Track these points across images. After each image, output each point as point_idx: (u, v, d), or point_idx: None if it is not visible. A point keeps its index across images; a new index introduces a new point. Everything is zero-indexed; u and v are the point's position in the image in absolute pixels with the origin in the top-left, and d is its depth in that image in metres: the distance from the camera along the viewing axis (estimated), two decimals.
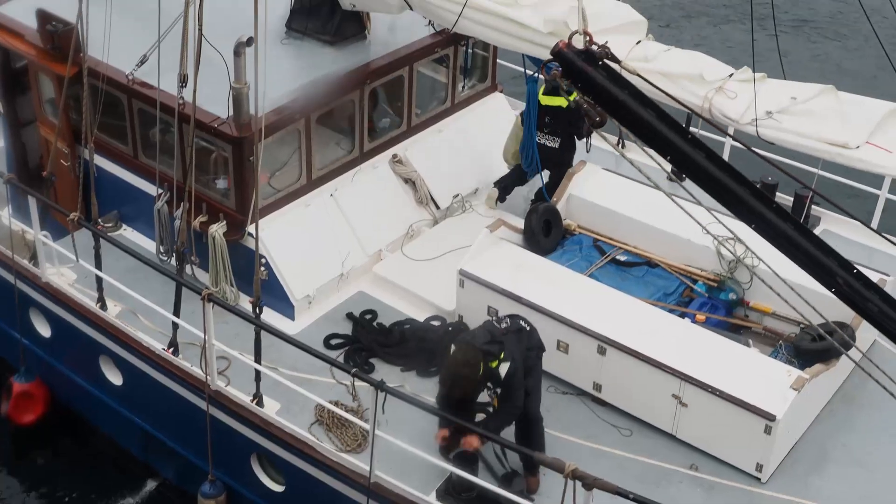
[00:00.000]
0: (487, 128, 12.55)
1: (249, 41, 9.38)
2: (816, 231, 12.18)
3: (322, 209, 10.97)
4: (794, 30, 21.87)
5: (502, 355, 8.43)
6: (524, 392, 8.63)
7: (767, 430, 8.61)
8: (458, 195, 12.04)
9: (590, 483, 7.38)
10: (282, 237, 10.57)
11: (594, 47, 5.14)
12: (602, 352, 9.34)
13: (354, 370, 8.56)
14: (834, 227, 12.18)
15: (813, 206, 12.20)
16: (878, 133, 8.78)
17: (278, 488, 9.79)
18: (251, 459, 9.78)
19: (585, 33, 5.27)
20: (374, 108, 11.76)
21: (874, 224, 11.82)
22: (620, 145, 9.61)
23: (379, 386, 8.21)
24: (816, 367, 9.07)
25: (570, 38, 5.23)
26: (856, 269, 5.80)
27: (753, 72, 9.11)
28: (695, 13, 22.50)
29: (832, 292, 5.85)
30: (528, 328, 8.82)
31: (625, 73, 5.84)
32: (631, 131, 5.29)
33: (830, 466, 9.09)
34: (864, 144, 8.77)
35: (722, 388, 8.76)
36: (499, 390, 8.56)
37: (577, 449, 9.25)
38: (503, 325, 8.71)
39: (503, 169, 12.20)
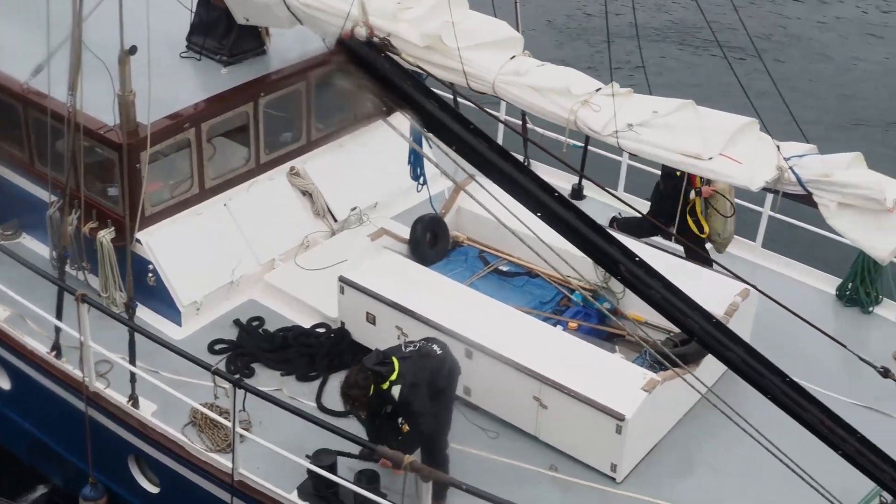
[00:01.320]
0: (389, 143, 12.81)
1: (132, 49, 9.65)
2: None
3: (214, 218, 11.21)
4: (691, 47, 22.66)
5: (392, 377, 8.48)
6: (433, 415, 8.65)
7: (619, 430, 8.86)
8: (355, 208, 12.29)
9: (426, 475, 7.61)
10: (171, 244, 10.79)
11: (376, 39, 5.44)
12: (469, 356, 9.58)
13: (214, 368, 8.77)
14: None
15: None
16: (731, 145, 9.10)
17: (154, 490, 9.95)
18: (129, 461, 9.94)
19: (366, 24, 5.56)
20: (279, 122, 12.03)
21: None
22: None
23: (236, 383, 8.43)
24: (670, 372, 9.32)
25: (353, 29, 5.52)
26: (637, 257, 6.07)
27: (613, 88, 9.44)
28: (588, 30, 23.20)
29: (618, 279, 6.11)
30: (439, 352, 8.80)
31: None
32: (410, 115, 5.60)
33: (685, 470, 9.33)
34: (717, 156, 9.10)
35: (576, 390, 9.00)
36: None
37: (452, 452, 9.44)
38: (409, 349, 8.78)
39: (403, 183, 12.40)
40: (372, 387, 8.46)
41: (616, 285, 10.66)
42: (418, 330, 9.88)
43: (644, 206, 11.99)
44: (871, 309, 11.40)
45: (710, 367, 9.63)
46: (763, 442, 7.08)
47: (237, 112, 11.22)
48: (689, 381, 7.75)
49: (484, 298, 10.23)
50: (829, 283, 11.81)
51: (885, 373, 7.03)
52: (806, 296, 11.71)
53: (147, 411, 9.64)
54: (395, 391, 8.50)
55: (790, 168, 8.63)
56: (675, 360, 8.59)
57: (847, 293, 11.52)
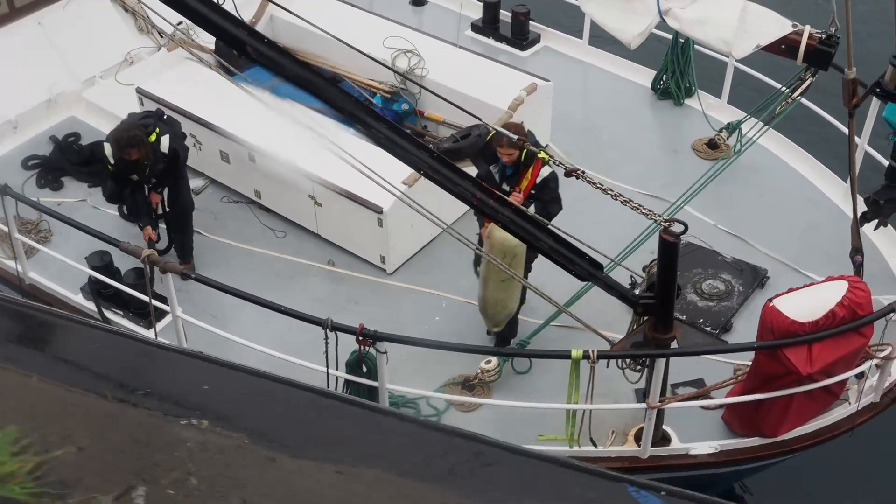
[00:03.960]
0: None
1: None
2: (536, 48, 12.56)
3: (27, 37, 11.31)
4: None
5: (157, 130, 9.13)
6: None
7: (380, 223, 9.18)
8: (181, 23, 12.29)
9: (162, 267, 7.99)
10: None
11: None
12: (252, 159, 9.85)
13: (4, 185, 9.03)
14: (553, 44, 12.56)
15: (531, 23, 12.51)
16: None
17: None
18: None
19: None
20: None
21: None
22: None
23: (15, 196, 8.80)
24: None
25: None
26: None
27: None
28: None
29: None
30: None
31: None
32: None
33: (459, 264, 9.67)
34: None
35: (341, 186, 9.27)
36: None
37: (237, 252, 9.86)
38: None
39: None
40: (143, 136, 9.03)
41: (414, 87, 10.84)
42: (211, 138, 10.15)
43: None
44: (682, 101, 11.50)
45: None
46: None
47: None
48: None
49: (276, 102, 10.38)
50: (646, 77, 11.88)
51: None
52: (625, 89, 11.84)
53: None
54: (165, 141, 9.08)
55: None
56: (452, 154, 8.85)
57: (660, 86, 11.60)
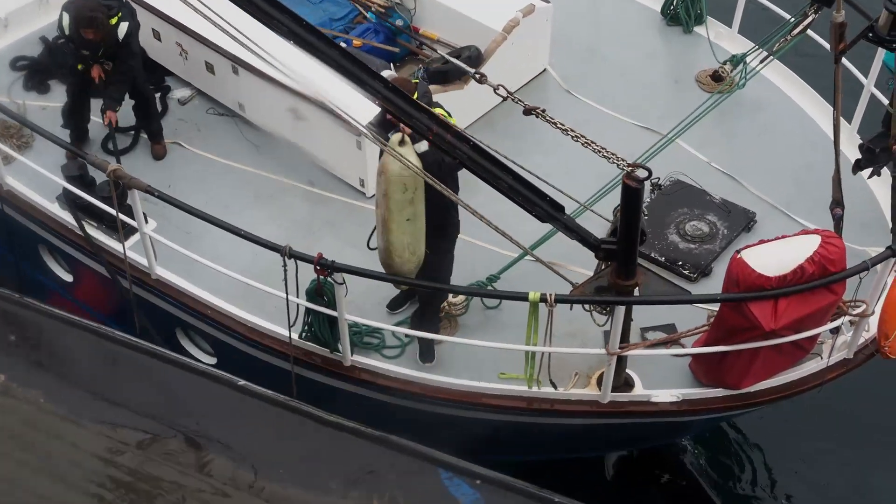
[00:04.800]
0: None
1: None
2: None
3: None
4: None
5: (119, 14, 9.01)
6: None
7: (359, 146, 8.95)
8: None
9: (127, 182, 7.86)
10: None
11: None
12: (235, 71, 9.61)
13: None
14: None
15: None
16: None
17: None
18: None
19: None
20: None
21: None
22: None
23: None
24: (436, 87, 9.26)
25: None
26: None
27: None
28: None
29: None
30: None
31: None
32: None
33: None
34: None
35: (322, 106, 8.99)
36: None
37: (217, 167, 9.70)
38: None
39: None
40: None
41: (410, 2, 10.49)
42: (196, 48, 9.91)
43: None
44: (691, 28, 11.02)
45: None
46: None
47: None
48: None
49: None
50: (657, 1, 11.39)
51: None
52: (633, 13, 11.37)
53: None
54: (123, 28, 9.05)
55: None
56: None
57: (670, 11, 11.11)
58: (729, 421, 10.06)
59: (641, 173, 6.31)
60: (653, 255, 8.56)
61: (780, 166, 9.52)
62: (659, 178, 9.17)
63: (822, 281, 6.74)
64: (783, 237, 7.04)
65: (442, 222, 7.50)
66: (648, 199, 9.07)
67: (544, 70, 10.54)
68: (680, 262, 8.52)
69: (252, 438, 6.48)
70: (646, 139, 9.50)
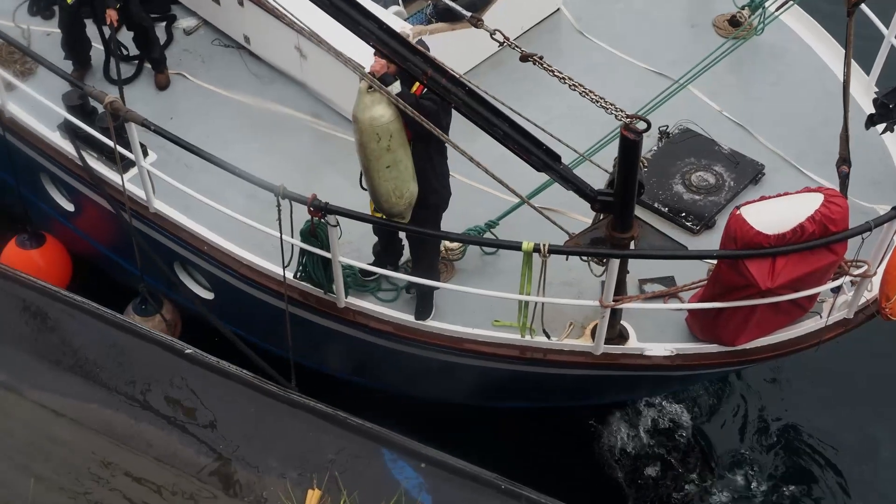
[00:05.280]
0: None
1: None
2: None
3: None
4: None
5: None
6: None
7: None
8: None
9: (124, 115, 7.76)
10: None
11: None
12: (241, 2, 9.44)
13: None
14: None
15: None
16: None
17: None
18: None
19: None
20: None
21: None
22: None
23: None
24: (438, 25, 9.07)
25: None
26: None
27: None
28: None
29: None
30: None
31: None
32: None
33: None
34: None
35: (327, 41, 8.81)
36: None
37: (220, 99, 9.57)
38: None
39: None
40: None
41: None
42: None
43: None
44: None
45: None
46: None
47: None
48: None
49: None
50: None
51: None
52: None
53: None
54: None
55: None
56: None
57: None
58: (726, 377, 9.98)
59: (641, 125, 6.16)
60: (656, 205, 8.41)
61: (794, 118, 9.28)
62: (667, 126, 9.01)
63: (821, 241, 6.59)
64: (785, 194, 6.87)
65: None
66: (655, 148, 8.90)
67: (557, 9, 10.28)
68: (683, 214, 8.37)
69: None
70: (657, 84, 9.28)
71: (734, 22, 10.02)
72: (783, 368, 9.46)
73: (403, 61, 6.12)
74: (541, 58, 6.16)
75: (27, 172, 9.66)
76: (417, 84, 6.73)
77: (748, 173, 8.68)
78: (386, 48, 6.09)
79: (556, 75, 6.15)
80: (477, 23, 6.22)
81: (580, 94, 6.18)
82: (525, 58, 6.13)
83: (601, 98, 6.17)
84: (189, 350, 6.70)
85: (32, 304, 7.56)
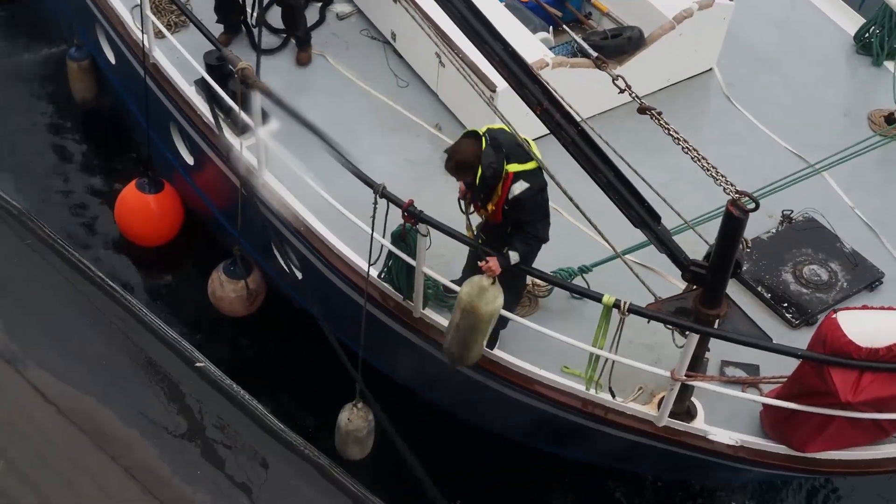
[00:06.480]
0: None
1: None
2: None
3: None
4: None
5: None
6: None
7: (492, 101, 8.70)
8: None
9: (251, 82, 7.84)
10: None
11: None
12: (396, 1, 9.49)
13: None
14: None
15: None
16: None
17: None
18: None
19: None
20: None
21: None
22: None
23: None
24: (580, 60, 8.91)
25: None
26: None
27: None
28: None
29: None
30: None
31: None
32: None
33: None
34: None
35: (464, 52, 8.78)
36: None
37: (354, 88, 9.64)
38: None
39: None
40: None
41: None
42: None
43: None
44: (881, 62, 10.21)
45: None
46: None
47: None
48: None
49: None
50: (853, 24, 10.60)
51: None
52: (822, 30, 10.63)
53: None
54: None
55: None
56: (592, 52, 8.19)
57: (863, 39, 10.32)
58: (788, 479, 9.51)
59: (750, 204, 5.89)
60: (759, 288, 8.04)
61: None
62: (792, 211, 8.64)
63: None
64: (890, 308, 6.47)
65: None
66: (774, 231, 8.54)
67: (710, 69, 9.99)
68: (785, 304, 7.98)
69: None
70: (792, 165, 8.93)
71: (890, 119, 9.55)
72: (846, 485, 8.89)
73: (520, 87, 6.01)
74: (659, 113, 5.96)
75: (158, 119, 9.94)
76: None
77: (865, 278, 8.22)
78: (505, 70, 5.99)
79: (670, 134, 5.94)
80: (601, 64, 6.07)
81: (692, 158, 5.94)
82: (643, 110, 5.94)
83: (713, 167, 5.93)
84: (200, 364, 6.76)
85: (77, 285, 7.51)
